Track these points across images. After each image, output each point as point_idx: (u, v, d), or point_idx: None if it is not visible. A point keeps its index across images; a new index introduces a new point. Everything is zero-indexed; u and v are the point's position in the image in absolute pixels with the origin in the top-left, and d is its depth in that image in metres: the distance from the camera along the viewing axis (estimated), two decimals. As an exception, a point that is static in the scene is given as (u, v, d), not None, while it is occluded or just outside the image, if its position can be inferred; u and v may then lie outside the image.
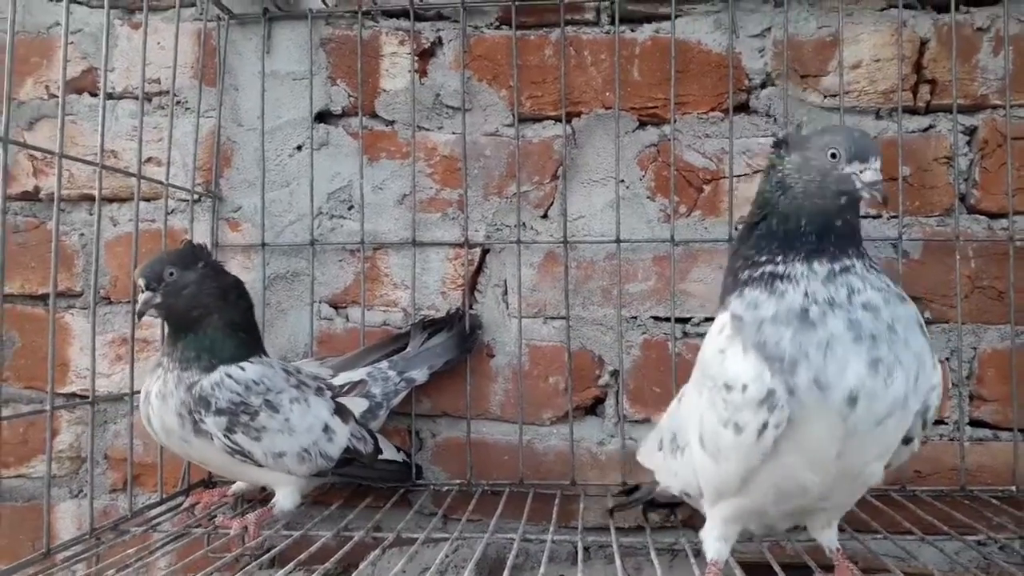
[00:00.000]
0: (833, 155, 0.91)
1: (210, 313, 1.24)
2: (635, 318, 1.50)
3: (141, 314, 1.23)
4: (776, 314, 0.86)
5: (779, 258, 0.90)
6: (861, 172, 0.90)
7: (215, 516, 1.36)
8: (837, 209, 0.91)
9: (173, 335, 1.25)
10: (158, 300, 1.21)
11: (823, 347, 0.83)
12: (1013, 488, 1.39)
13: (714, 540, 1.00)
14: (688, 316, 1.48)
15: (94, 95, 1.59)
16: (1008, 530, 1.23)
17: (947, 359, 1.44)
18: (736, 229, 1.43)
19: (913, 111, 1.47)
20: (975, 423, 1.44)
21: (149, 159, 1.52)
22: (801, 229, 0.91)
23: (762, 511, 0.96)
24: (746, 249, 0.94)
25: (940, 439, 1.45)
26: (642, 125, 1.51)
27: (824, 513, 1.00)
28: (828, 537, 1.03)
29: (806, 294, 0.87)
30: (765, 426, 0.84)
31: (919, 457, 1.41)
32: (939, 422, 1.45)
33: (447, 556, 1.15)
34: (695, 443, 0.95)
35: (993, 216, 1.45)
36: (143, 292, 1.21)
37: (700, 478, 0.97)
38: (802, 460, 0.87)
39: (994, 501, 1.34)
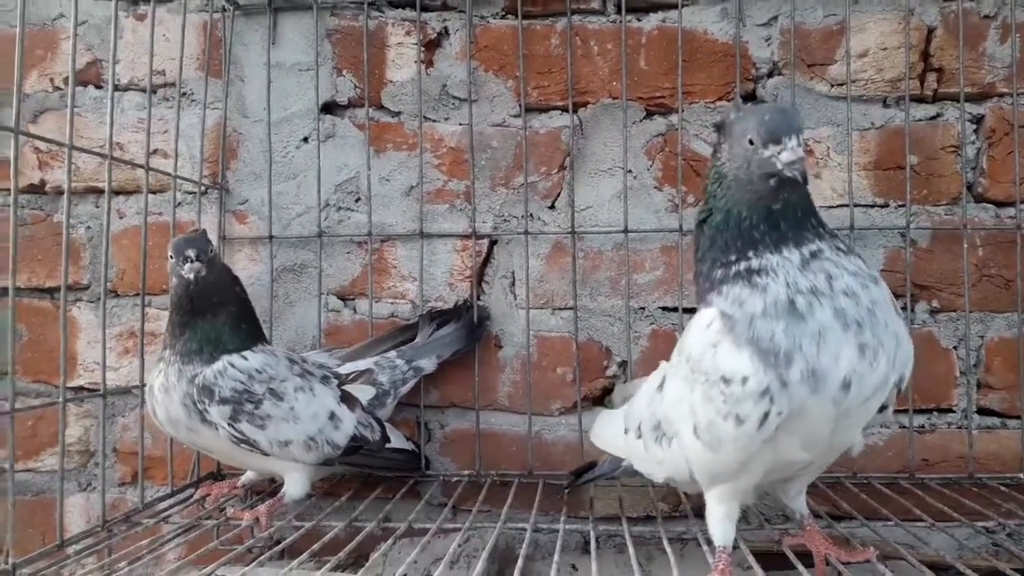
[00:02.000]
0: (750, 141, 0.90)
1: (227, 300, 1.25)
2: (643, 308, 1.50)
3: (190, 284, 1.20)
4: (765, 309, 0.86)
5: (749, 253, 0.90)
6: (779, 153, 0.87)
7: (225, 508, 1.36)
8: (771, 192, 0.89)
9: (181, 324, 1.24)
10: (204, 272, 1.20)
11: (816, 338, 0.84)
12: (1021, 475, 1.39)
13: (719, 522, 1.00)
14: (696, 306, 1.48)
15: (99, 87, 1.59)
16: (1018, 516, 1.23)
17: (955, 348, 1.44)
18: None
19: (920, 99, 1.47)
20: (983, 411, 1.45)
21: (155, 151, 1.52)
22: (747, 221, 0.91)
23: (756, 486, 1.00)
24: (711, 251, 0.94)
25: (948, 427, 1.45)
26: (649, 115, 1.50)
27: (801, 480, 1.05)
28: (800, 504, 1.07)
29: (787, 284, 0.87)
30: (766, 416, 0.85)
31: (927, 445, 1.43)
32: (947, 410, 1.45)
33: (459, 546, 1.15)
34: (687, 434, 0.95)
35: (1000, 204, 1.45)
36: (192, 262, 1.19)
37: (694, 466, 0.98)
38: (797, 441, 0.90)
39: (1003, 488, 1.34)
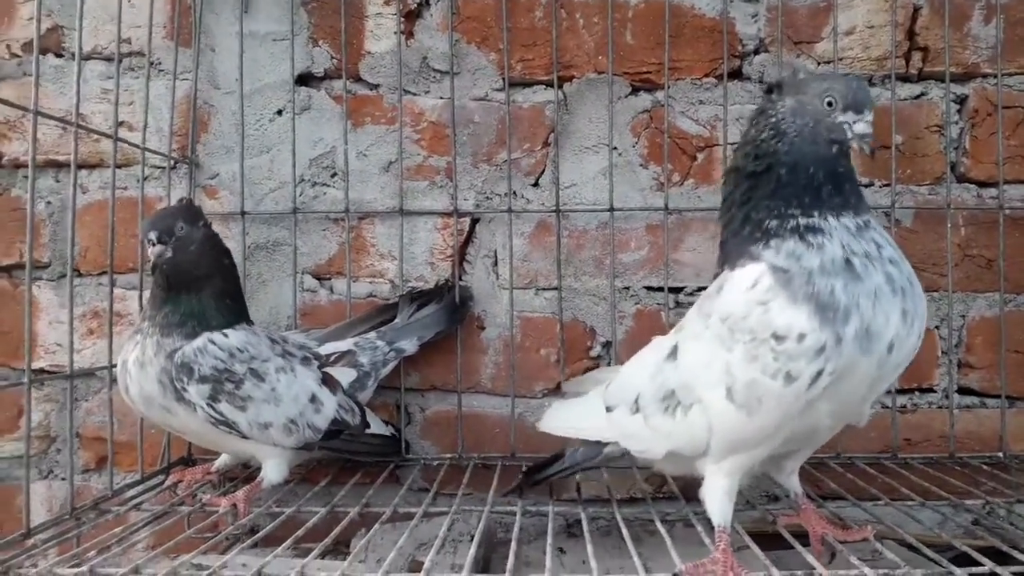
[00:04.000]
0: (829, 103, 0.92)
1: (210, 276, 1.20)
2: (628, 288, 1.48)
3: (155, 268, 1.17)
4: (822, 264, 0.87)
5: (813, 212, 0.91)
6: (854, 123, 0.91)
7: (198, 494, 1.31)
8: (830, 157, 0.93)
9: (162, 298, 1.19)
10: (169, 254, 1.15)
11: (872, 297, 0.86)
12: (1000, 454, 1.40)
13: (719, 499, 0.98)
14: (681, 286, 1.47)
15: (59, 56, 1.51)
16: (1003, 494, 1.23)
17: (937, 328, 1.45)
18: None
19: (905, 78, 1.46)
20: (963, 391, 1.46)
21: (121, 123, 1.44)
22: (815, 179, 0.92)
23: (766, 458, 0.99)
24: (770, 199, 0.93)
25: (929, 407, 1.46)
26: (635, 91, 1.48)
27: (799, 456, 1.06)
28: (794, 483, 1.08)
29: (842, 246, 0.89)
30: (819, 374, 0.85)
31: (909, 425, 1.44)
32: (928, 390, 1.46)
33: (447, 531, 1.12)
34: (716, 398, 0.92)
35: (983, 185, 1.46)
36: (154, 245, 1.14)
37: (717, 433, 0.95)
38: (830, 406, 0.90)
39: (984, 467, 1.35)
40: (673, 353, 1.02)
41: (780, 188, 0.93)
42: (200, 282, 1.19)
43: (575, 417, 1.21)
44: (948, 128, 1.45)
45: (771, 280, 0.88)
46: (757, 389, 0.88)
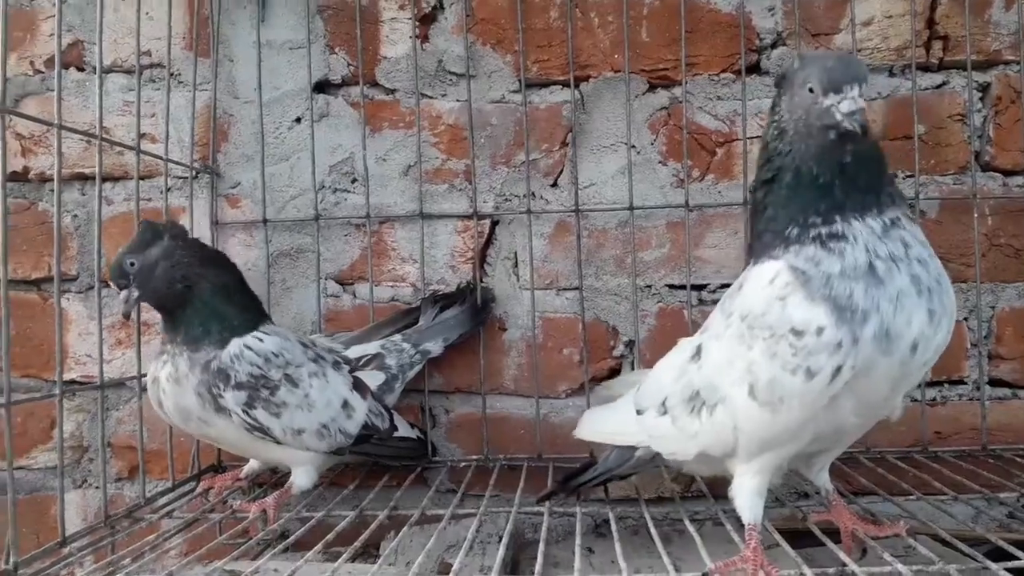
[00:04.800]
0: (811, 88, 0.88)
1: (196, 281, 1.18)
2: (649, 286, 1.47)
3: (127, 315, 1.19)
4: (843, 270, 0.86)
5: (835, 217, 0.88)
6: (839, 103, 0.86)
7: (228, 500, 1.32)
8: (833, 145, 0.88)
9: (171, 320, 1.20)
10: (136, 293, 1.16)
11: (894, 301, 0.84)
12: (1035, 445, 1.38)
13: (748, 498, 0.97)
14: (704, 283, 1.46)
15: (80, 70, 1.53)
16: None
17: (965, 319, 1.43)
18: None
19: (926, 68, 1.45)
20: (994, 382, 1.44)
21: (143, 135, 1.45)
22: (821, 178, 0.89)
23: (794, 456, 0.98)
24: (786, 209, 0.91)
25: (960, 399, 1.44)
26: (652, 88, 1.47)
27: (830, 454, 1.04)
28: (824, 480, 1.06)
29: (867, 249, 0.86)
30: (839, 369, 0.84)
31: (939, 418, 1.42)
32: (958, 382, 1.44)
33: (476, 532, 1.12)
34: (740, 396, 0.92)
35: (1008, 173, 1.44)
36: (118, 294, 1.17)
37: (743, 432, 0.94)
38: (854, 404, 0.89)
39: (1018, 459, 1.33)
40: (697, 353, 1.01)
41: (792, 195, 0.91)
42: (190, 291, 1.18)
43: (608, 422, 1.21)
44: (971, 117, 1.43)
45: (790, 276, 0.87)
46: (778, 386, 0.87)
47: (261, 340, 1.20)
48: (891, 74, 1.45)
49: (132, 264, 1.17)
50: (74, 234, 1.52)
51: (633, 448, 1.15)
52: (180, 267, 1.18)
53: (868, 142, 0.88)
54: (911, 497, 1.21)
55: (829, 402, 0.87)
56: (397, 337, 1.38)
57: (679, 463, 1.10)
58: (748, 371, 0.90)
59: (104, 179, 1.48)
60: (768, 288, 0.89)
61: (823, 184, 0.89)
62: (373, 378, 1.31)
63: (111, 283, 1.19)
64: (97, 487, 1.50)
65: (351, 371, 1.30)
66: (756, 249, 0.96)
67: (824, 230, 0.88)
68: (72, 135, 1.30)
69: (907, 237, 0.88)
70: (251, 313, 1.23)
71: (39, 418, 1.50)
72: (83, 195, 1.52)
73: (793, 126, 0.91)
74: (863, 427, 0.99)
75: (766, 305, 0.88)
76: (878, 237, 0.87)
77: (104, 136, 1.18)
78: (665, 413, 1.05)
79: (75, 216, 1.52)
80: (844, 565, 0.91)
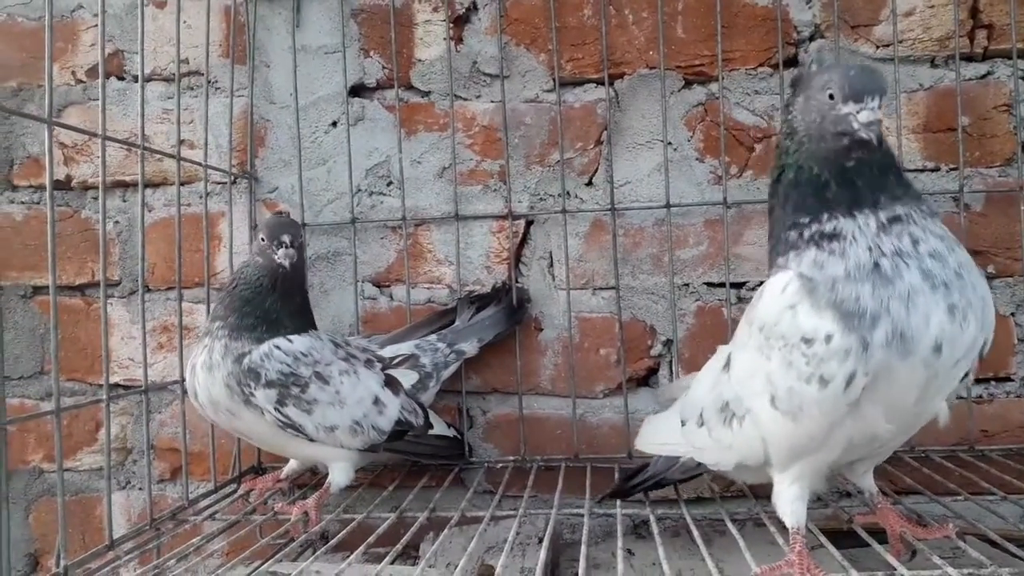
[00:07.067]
0: (831, 95, 0.88)
1: (303, 285, 1.28)
2: (687, 285, 1.46)
3: (274, 271, 1.20)
4: (848, 272, 0.84)
5: (823, 215, 0.87)
6: (858, 112, 0.86)
7: (269, 502, 1.34)
8: (843, 150, 0.88)
9: (247, 299, 1.21)
10: (296, 260, 1.20)
11: (905, 300, 0.82)
12: (1085, 443, 1.35)
13: (790, 503, 0.96)
14: (743, 281, 1.44)
15: (120, 79, 1.56)
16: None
17: (1012, 314, 1.40)
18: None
19: (970, 58, 1.41)
20: (1043, 379, 1.40)
21: (182, 141, 1.47)
22: (819, 178, 0.89)
23: (831, 464, 0.96)
24: (784, 210, 0.91)
25: (1007, 396, 1.40)
26: (688, 84, 1.46)
27: (873, 459, 1.02)
28: (869, 482, 1.04)
29: (869, 248, 0.85)
30: (853, 376, 0.83)
31: (986, 415, 1.39)
32: (1005, 379, 1.41)
33: (516, 534, 1.12)
34: (763, 408, 0.91)
35: (1056, 164, 1.40)
36: (288, 248, 1.18)
37: (771, 442, 0.94)
38: (881, 410, 0.87)
39: (1068, 457, 1.30)
40: (727, 364, 1.01)
41: (791, 193, 0.91)
42: (296, 290, 1.25)
43: (659, 433, 1.21)
44: (1017, 107, 1.39)
45: (798, 284, 0.86)
46: (796, 396, 0.87)
47: (291, 341, 1.21)
48: (933, 65, 1.42)
49: (301, 237, 1.25)
50: (116, 240, 1.55)
51: (675, 458, 1.15)
52: (304, 269, 1.30)
53: (879, 152, 0.88)
54: (958, 497, 1.18)
55: (852, 409, 0.85)
56: (432, 337, 1.38)
57: (722, 473, 1.10)
58: (768, 381, 0.90)
59: (145, 185, 1.52)
60: (780, 297, 0.88)
61: (821, 183, 0.89)
62: (406, 376, 1.32)
63: (286, 235, 1.19)
64: (140, 488, 1.53)
65: (383, 369, 1.31)
66: (771, 255, 0.95)
67: (815, 229, 0.87)
68: (113, 143, 1.32)
69: (916, 232, 0.85)
70: (301, 323, 1.26)
71: (84, 420, 1.54)
72: (124, 201, 1.55)
73: (805, 128, 0.91)
74: (903, 433, 0.96)
75: (778, 315, 0.88)
76: (879, 234, 0.85)
77: (146, 145, 1.20)
78: (703, 424, 1.05)
79: (117, 223, 1.55)
80: (893, 569, 0.89)
